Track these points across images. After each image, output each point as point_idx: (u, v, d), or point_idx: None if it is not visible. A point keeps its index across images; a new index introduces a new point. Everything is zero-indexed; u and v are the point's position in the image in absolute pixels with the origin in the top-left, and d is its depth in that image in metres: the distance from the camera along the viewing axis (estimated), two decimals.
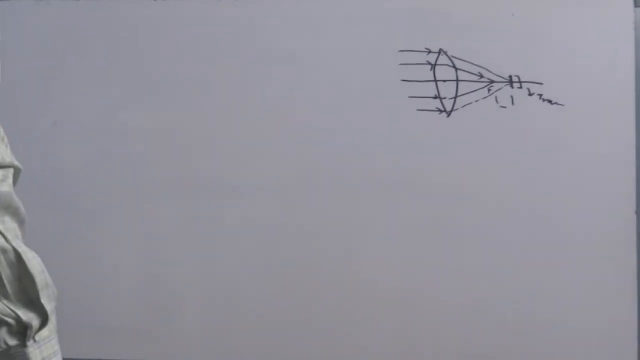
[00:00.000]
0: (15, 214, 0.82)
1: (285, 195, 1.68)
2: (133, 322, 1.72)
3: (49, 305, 0.84)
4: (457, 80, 1.64)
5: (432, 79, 1.64)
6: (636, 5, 1.58)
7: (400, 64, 1.65)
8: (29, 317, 0.82)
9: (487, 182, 1.64)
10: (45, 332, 0.84)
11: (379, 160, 1.66)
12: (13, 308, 0.82)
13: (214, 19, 1.69)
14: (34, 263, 0.83)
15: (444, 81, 1.64)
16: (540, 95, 1.62)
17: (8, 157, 0.84)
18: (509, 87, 1.63)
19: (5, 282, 0.81)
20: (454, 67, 1.63)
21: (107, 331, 1.72)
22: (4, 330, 0.82)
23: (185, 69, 1.69)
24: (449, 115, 1.64)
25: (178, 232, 1.70)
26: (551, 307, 1.64)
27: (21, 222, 0.82)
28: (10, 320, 0.81)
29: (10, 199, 0.81)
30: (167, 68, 1.69)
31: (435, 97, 1.64)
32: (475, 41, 1.62)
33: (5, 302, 0.82)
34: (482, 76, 1.63)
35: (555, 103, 1.62)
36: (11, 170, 0.84)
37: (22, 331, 0.82)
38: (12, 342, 0.82)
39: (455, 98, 1.64)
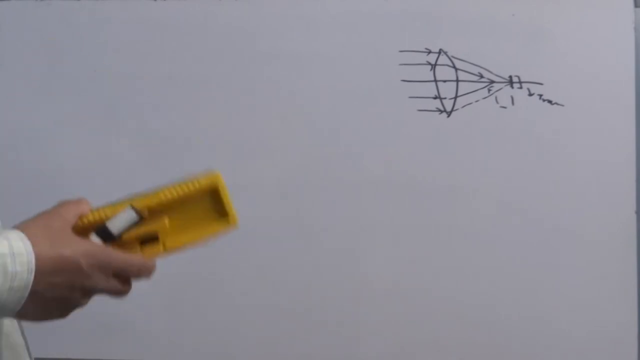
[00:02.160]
0: None
1: (284, 195, 1.68)
2: (134, 322, 1.72)
3: None
4: (457, 80, 1.64)
5: (432, 79, 1.64)
6: (636, 6, 1.58)
7: (400, 64, 1.65)
8: None
9: (487, 182, 1.64)
10: None
11: (379, 160, 1.66)
12: None
13: (214, 19, 1.69)
14: None
15: (444, 81, 1.64)
16: (540, 95, 1.62)
17: None
18: (509, 87, 1.63)
19: None
20: (454, 67, 1.63)
21: (107, 331, 1.72)
22: None
23: (185, 69, 1.69)
24: (449, 115, 1.64)
25: None
26: (551, 307, 1.64)
27: None
28: None
29: None
30: (167, 68, 1.69)
31: (435, 97, 1.64)
32: (475, 41, 1.62)
33: None
34: (482, 76, 1.63)
35: (555, 103, 1.62)
36: None
37: None
38: None
39: (455, 98, 1.64)
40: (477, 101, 1.64)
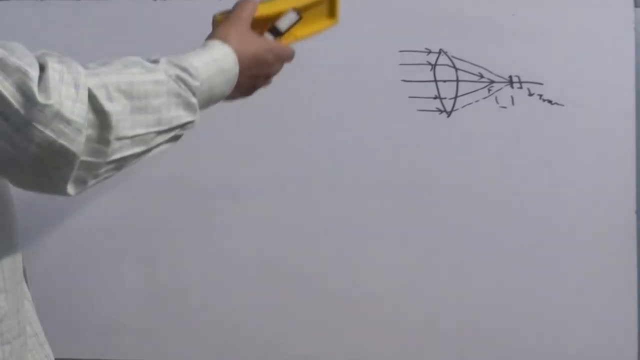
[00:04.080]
0: None
1: (284, 195, 1.68)
2: (134, 322, 1.72)
3: None
4: (457, 80, 1.64)
5: (432, 79, 1.64)
6: (636, 5, 1.58)
7: (400, 64, 1.64)
8: None
9: (486, 182, 1.64)
10: None
11: (379, 161, 1.66)
12: None
13: None
14: None
15: (444, 81, 1.64)
16: (540, 95, 1.62)
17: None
18: (509, 87, 1.63)
19: None
20: (454, 67, 1.63)
21: (108, 331, 1.72)
22: None
23: None
24: (449, 115, 1.64)
25: (179, 231, 1.70)
26: (551, 306, 1.64)
27: None
28: None
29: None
30: None
31: (435, 97, 1.64)
32: (475, 41, 1.62)
33: None
34: (482, 76, 1.63)
35: (555, 103, 1.62)
36: None
37: None
38: None
39: (455, 98, 1.64)
40: (477, 101, 1.64)
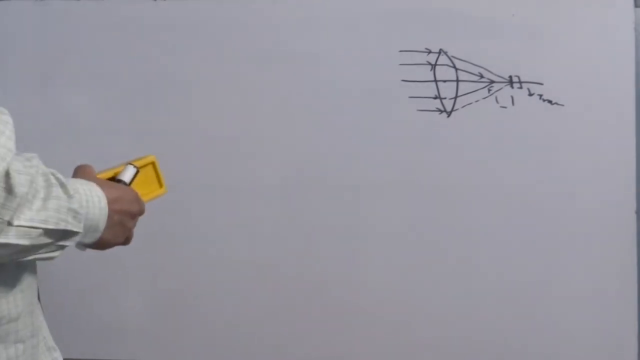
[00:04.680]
0: None
1: (284, 195, 1.68)
2: (134, 323, 1.72)
3: None
4: (457, 80, 1.64)
5: (432, 79, 1.64)
6: (636, 5, 1.58)
7: (400, 64, 1.64)
8: None
9: (487, 182, 1.64)
10: None
11: (379, 161, 1.66)
12: None
13: (214, 19, 1.69)
14: None
15: (444, 81, 1.64)
16: (540, 95, 1.62)
17: None
18: (509, 87, 1.62)
19: None
20: (454, 67, 1.63)
21: (109, 331, 1.73)
22: None
23: (185, 69, 1.69)
24: (449, 115, 1.64)
25: (180, 232, 1.71)
26: (551, 307, 1.64)
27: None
28: None
29: None
30: (167, 68, 1.69)
31: (435, 97, 1.64)
32: (475, 41, 1.62)
33: None
34: (482, 76, 1.63)
35: (555, 103, 1.61)
36: None
37: None
38: None
39: (455, 98, 1.64)
40: (477, 101, 1.64)
